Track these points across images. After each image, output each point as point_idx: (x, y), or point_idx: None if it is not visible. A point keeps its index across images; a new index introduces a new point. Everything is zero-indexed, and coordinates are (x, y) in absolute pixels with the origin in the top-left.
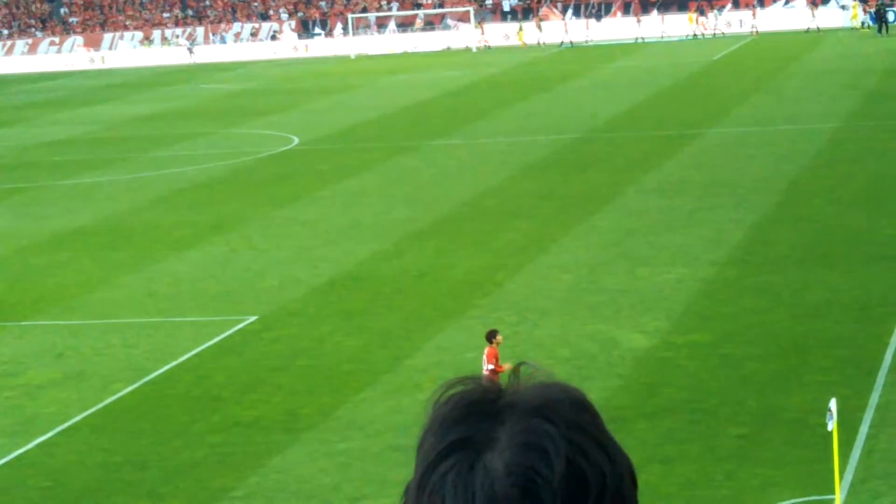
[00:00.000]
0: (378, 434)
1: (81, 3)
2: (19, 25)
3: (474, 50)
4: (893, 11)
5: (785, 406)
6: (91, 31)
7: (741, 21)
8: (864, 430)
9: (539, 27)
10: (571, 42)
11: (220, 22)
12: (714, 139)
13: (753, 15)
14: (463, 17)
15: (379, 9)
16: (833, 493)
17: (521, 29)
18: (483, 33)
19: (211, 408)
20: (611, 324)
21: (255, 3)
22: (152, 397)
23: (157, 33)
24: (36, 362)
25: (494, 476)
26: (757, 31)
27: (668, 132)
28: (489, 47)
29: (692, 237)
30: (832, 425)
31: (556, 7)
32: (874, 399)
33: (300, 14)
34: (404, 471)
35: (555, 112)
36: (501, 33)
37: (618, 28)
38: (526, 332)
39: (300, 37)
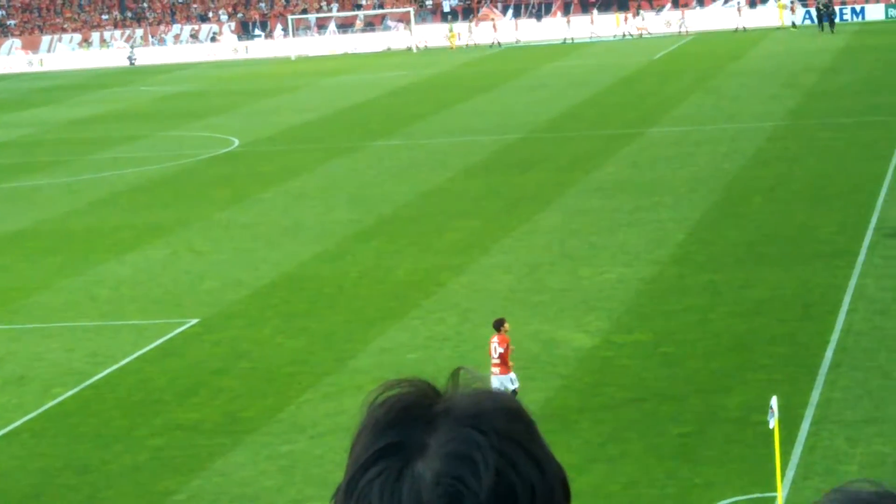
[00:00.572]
0: (321, 436)
1: (19, 5)
2: None
3: (415, 51)
4: (839, 10)
5: (727, 404)
6: (29, 34)
7: (682, 22)
8: (805, 427)
9: (470, 30)
10: (500, 43)
11: (159, 24)
12: (654, 138)
13: (682, 14)
14: (403, 18)
15: (319, 10)
16: (775, 490)
17: (451, 30)
18: (412, 34)
19: (152, 411)
20: (553, 324)
21: (195, 5)
22: (93, 401)
23: (95, 35)
24: None
25: (422, 485)
26: (687, 31)
27: (609, 132)
28: (427, 48)
29: (634, 236)
30: (773, 423)
31: (496, 7)
32: (815, 396)
33: (240, 15)
34: None
35: (496, 112)
36: (441, 34)
37: (548, 29)
38: (468, 333)
39: (240, 38)
